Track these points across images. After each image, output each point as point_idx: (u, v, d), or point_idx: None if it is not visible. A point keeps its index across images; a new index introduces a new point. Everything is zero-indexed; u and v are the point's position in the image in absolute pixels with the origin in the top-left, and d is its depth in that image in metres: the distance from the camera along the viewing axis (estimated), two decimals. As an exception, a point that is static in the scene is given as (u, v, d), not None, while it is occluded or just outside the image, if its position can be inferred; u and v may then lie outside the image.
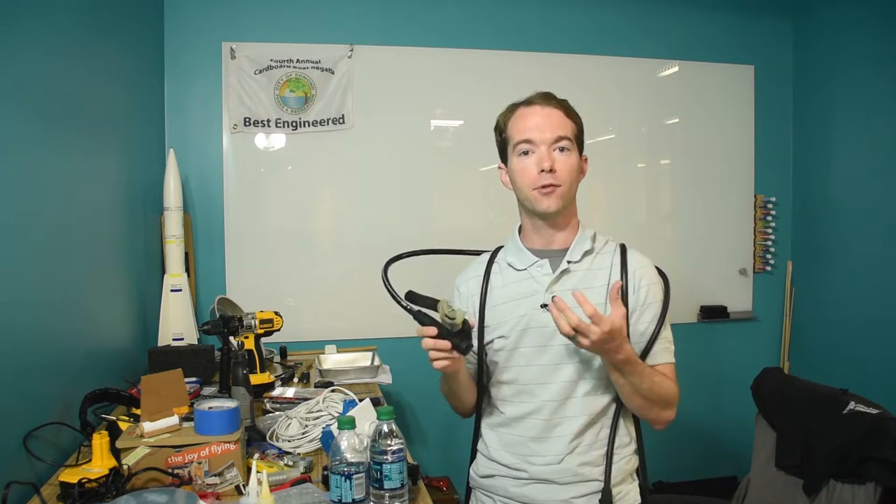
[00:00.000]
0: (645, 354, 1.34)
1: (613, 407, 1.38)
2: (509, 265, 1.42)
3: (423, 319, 1.22)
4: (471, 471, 1.49)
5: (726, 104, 3.20)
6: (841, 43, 2.99)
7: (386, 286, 1.35)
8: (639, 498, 1.41)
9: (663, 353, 1.36)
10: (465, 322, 1.21)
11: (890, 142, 2.75)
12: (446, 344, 1.20)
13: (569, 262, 1.37)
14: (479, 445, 1.48)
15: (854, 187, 2.94)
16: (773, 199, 3.27)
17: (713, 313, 3.19)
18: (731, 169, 3.23)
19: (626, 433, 1.39)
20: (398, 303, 1.28)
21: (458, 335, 1.21)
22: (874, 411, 1.92)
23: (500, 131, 1.41)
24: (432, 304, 1.24)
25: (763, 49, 3.24)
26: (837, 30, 3.02)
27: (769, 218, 3.26)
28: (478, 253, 1.55)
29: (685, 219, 3.20)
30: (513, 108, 1.40)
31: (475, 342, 1.35)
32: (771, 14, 3.24)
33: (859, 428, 1.90)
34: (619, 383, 1.30)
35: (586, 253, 1.39)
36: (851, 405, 1.96)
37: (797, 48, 3.26)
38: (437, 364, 1.24)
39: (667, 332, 1.37)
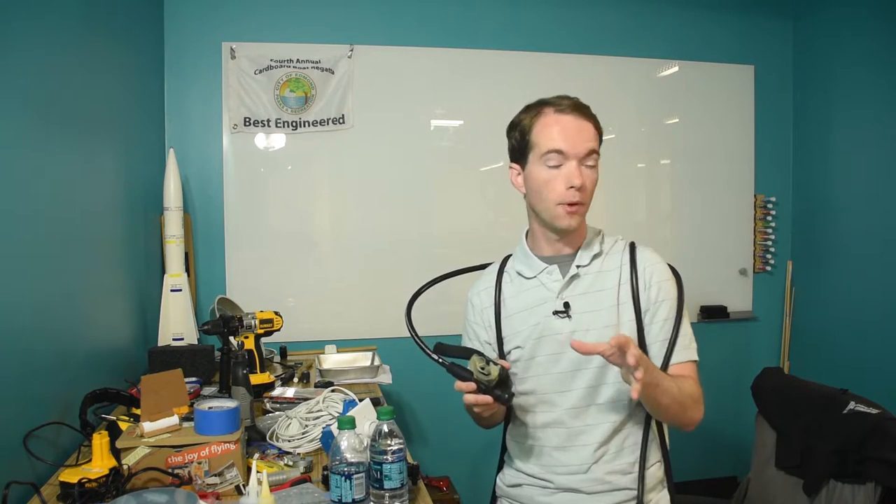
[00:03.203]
0: (669, 354, 1.30)
1: (639, 413, 1.34)
2: (519, 274, 1.40)
3: (460, 374, 1.17)
4: (497, 480, 1.49)
5: (726, 104, 3.20)
6: (841, 43, 2.99)
7: (413, 336, 1.33)
8: None
9: (684, 350, 1.32)
10: (500, 370, 1.18)
11: (890, 142, 2.75)
12: (488, 399, 1.16)
13: (578, 266, 1.35)
14: (506, 456, 1.47)
15: (854, 187, 2.93)
16: (773, 199, 3.27)
17: (713, 313, 3.19)
18: (731, 169, 3.22)
19: (653, 438, 1.36)
20: (428, 355, 1.24)
21: (499, 386, 1.17)
22: (874, 411, 1.92)
23: (523, 132, 1.32)
24: (464, 353, 1.20)
25: (763, 49, 3.23)
26: (837, 30, 3.02)
27: (769, 218, 3.26)
28: (484, 266, 1.52)
29: (685, 219, 3.19)
30: (540, 111, 1.31)
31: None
32: (771, 14, 3.24)
33: (859, 428, 1.90)
34: (650, 396, 1.21)
35: (595, 256, 1.36)
36: (851, 405, 1.96)
37: (797, 48, 3.26)
38: (480, 413, 1.22)
39: (685, 329, 1.33)
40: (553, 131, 1.29)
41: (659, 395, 1.22)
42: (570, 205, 1.29)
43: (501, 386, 1.17)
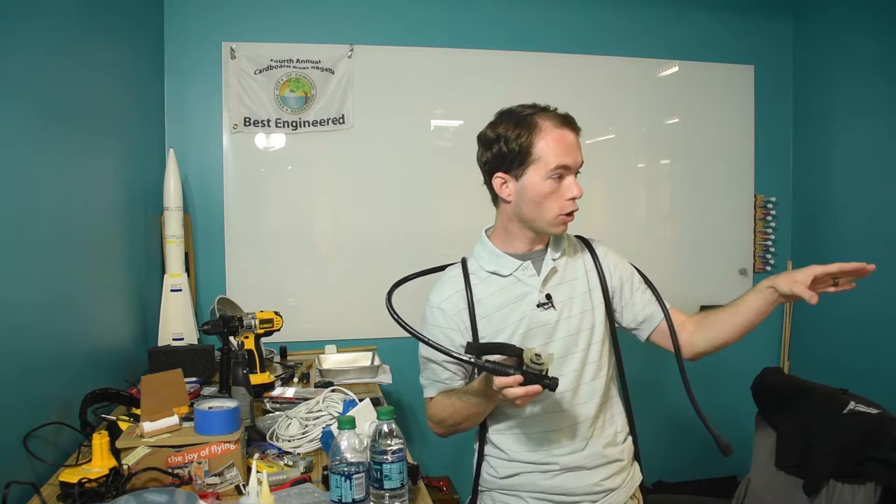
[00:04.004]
0: (664, 307, 1.44)
1: (612, 387, 1.47)
2: (493, 273, 1.42)
3: (503, 370, 1.17)
4: (483, 474, 1.48)
5: (726, 104, 3.20)
6: (841, 43, 2.99)
7: (422, 341, 1.28)
8: (640, 476, 1.50)
9: (667, 302, 1.47)
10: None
11: (890, 142, 2.75)
12: (537, 389, 1.15)
13: (553, 259, 1.42)
14: (489, 449, 1.46)
15: (854, 187, 2.93)
16: (773, 199, 3.27)
17: (713, 313, 3.19)
18: (730, 169, 3.22)
19: (622, 412, 1.49)
20: (457, 358, 1.23)
21: (545, 375, 1.17)
22: (874, 411, 1.92)
23: (522, 146, 1.33)
24: (492, 349, 1.21)
25: (763, 49, 3.23)
26: (837, 30, 3.02)
27: (769, 218, 3.26)
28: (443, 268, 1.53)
29: (685, 219, 3.19)
30: (537, 124, 1.33)
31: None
32: (771, 14, 3.24)
33: (859, 428, 1.90)
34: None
35: (563, 249, 1.45)
36: (851, 405, 1.96)
37: (797, 48, 3.26)
38: (522, 404, 1.21)
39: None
40: (559, 147, 1.33)
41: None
42: (569, 214, 1.36)
43: (547, 374, 1.17)
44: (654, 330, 1.45)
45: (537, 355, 1.15)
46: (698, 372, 3.09)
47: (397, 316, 1.33)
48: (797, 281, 1.27)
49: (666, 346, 1.45)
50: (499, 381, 1.16)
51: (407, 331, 1.29)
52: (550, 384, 1.16)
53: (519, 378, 1.15)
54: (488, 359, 1.20)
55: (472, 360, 1.20)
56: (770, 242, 3.27)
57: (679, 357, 1.41)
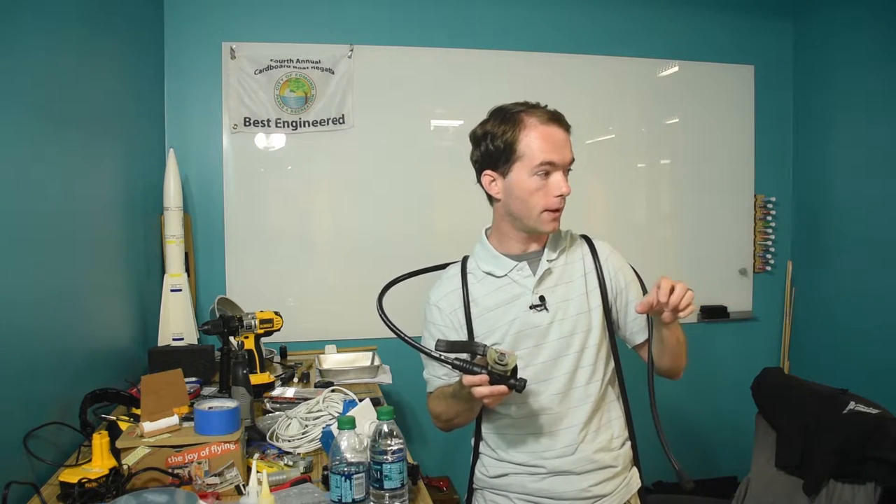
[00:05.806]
0: (651, 324, 1.37)
1: (611, 391, 1.44)
2: (488, 273, 1.42)
3: (470, 370, 1.18)
4: (476, 472, 1.49)
5: (726, 104, 3.20)
6: (841, 43, 2.99)
7: (402, 338, 1.30)
8: (640, 482, 1.48)
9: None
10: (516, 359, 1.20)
11: (890, 142, 2.75)
12: (503, 389, 1.16)
13: (549, 261, 1.40)
14: (483, 447, 1.48)
15: (854, 187, 2.94)
16: (773, 199, 3.27)
17: (713, 313, 3.19)
18: (731, 169, 3.23)
19: (620, 417, 1.45)
20: (428, 355, 1.25)
21: (512, 376, 1.17)
22: (874, 411, 1.92)
23: (507, 142, 1.33)
24: (464, 347, 1.22)
25: (763, 49, 3.24)
26: (837, 30, 3.02)
27: (769, 218, 3.26)
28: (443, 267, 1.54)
29: (685, 219, 3.19)
30: (523, 121, 1.32)
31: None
32: (771, 14, 3.24)
33: (859, 428, 1.90)
34: (671, 336, 1.32)
35: (561, 250, 1.43)
36: (851, 405, 1.96)
37: (797, 48, 3.26)
38: (490, 403, 1.22)
39: None
40: (545, 144, 1.32)
41: (678, 329, 1.34)
42: (555, 210, 1.34)
43: (514, 375, 1.18)
44: (637, 346, 1.45)
45: (501, 355, 1.16)
46: (698, 373, 3.10)
47: (383, 313, 1.37)
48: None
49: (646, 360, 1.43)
50: (466, 379, 1.18)
51: (391, 329, 1.32)
52: (517, 385, 1.17)
53: (485, 378, 1.16)
54: (460, 357, 1.20)
55: (442, 357, 1.21)
56: (770, 242, 3.27)
57: (651, 386, 1.33)
